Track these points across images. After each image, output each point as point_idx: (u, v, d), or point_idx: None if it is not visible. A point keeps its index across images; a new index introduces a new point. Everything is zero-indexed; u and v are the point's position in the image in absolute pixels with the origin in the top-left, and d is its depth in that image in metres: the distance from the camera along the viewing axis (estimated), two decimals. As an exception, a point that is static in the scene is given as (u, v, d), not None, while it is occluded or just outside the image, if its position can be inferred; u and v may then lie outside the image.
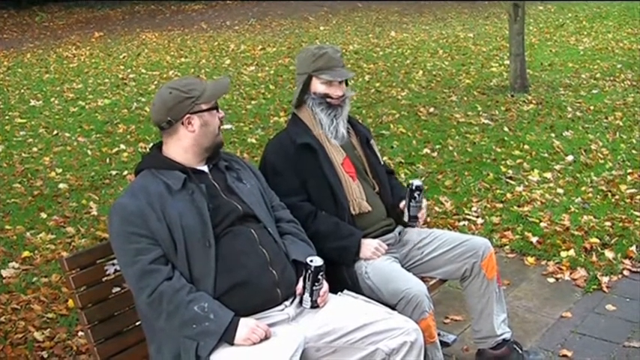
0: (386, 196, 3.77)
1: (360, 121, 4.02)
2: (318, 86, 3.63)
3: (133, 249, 2.81)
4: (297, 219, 3.35)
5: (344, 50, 14.63)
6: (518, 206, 6.13)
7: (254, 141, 8.41)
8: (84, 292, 2.96)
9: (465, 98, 10.34)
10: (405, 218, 3.60)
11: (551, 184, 6.66)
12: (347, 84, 3.74)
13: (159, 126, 3.05)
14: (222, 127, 3.13)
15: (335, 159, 3.62)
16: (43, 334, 4.43)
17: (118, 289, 3.03)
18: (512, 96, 10.28)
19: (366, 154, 3.79)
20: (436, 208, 6.17)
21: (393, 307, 3.25)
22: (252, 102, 10.34)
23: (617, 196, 6.28)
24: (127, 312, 3.05)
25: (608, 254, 5.20)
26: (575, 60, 13.00)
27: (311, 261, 2.97)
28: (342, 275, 3.45)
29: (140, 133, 8.90)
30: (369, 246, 3.54)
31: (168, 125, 3.00)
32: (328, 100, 3.62)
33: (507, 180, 6.80)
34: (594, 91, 10.49)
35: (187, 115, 2.99)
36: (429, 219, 5.92)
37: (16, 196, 6.86)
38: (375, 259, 3.51)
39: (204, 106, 3.02)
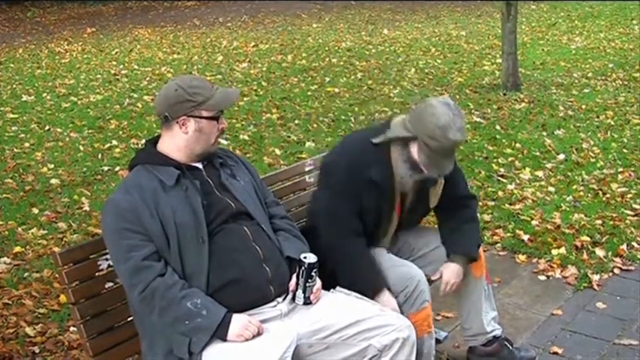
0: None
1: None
2: (417, 154, 3.33)
3: (126, 245, 2.81)
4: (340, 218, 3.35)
5: (336, 47, 14.65)
6: (510, 204, 6.15)
7: (246, 137, 8.41)
8: (77, 287, 2.95)
9: (458, 96, 10.34)
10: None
11: (543, 183, 6.68)
12: None
13: (158, 116, 3.05)
14: (220, 138, 3.09)
15: (395, 198, 3.54)
16: (34, 329, 4.43)
17: (111, 284, 3.02)
18: (504, 94, 10.30)
19: (413, 203, 3.63)
20: (428, 206, 6.18)
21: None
22: (245, 99, 10.33)
23: (608, 195, 6.32)
24: (120, 307, 3.04)
25: (599, 252, 5.23)
26: (567, 59, 13.03)
27: (305, 258, 2.98)
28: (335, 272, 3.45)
29: (132, 129, 8.88)
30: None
31: (164, 119, 2.99)
32: (416, 167, 3.38)
33: (499, 178, 6.82)
34: (586, 90, 10.53)
35: (184, 117, 2.97)
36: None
37: (8, 191, 6.84)
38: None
39: (204, 113, 2.98)
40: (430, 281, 3.82)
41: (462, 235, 3.68)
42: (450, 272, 3.60)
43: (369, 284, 3.29)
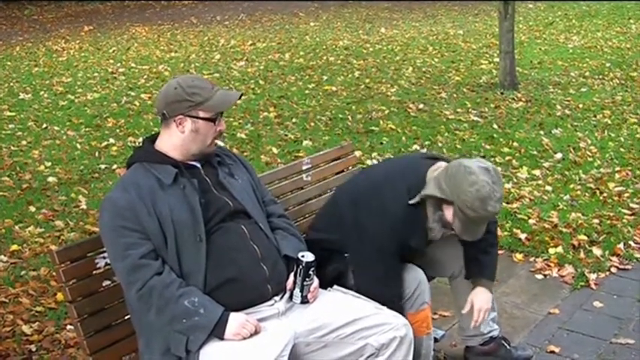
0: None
1: None
2: (452, 218, 3.24)
3: (124, 243, 2.80)
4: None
5: (334, 46, 14.64)
6: (507, 203, 6.14)
7: (243, 136, 8.41)
8: (74, 285, 2.94)
9: (455, 95, 10.35)
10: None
11: (540, 182, 6.68)
12: None
13: (157, 113, 3.04)
14: (217, 140, 3.08)
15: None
16: (31, 327, 4.41)
17: (109, 282, 3.02)
18: (501, 93, 10.30)
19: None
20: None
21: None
22: (242, 97, 10.31)
23: (605, 194, 6.32)
24: (117, 305, 3.03)
25: (596, 251, 5.23)
26: (564, 58, 13.04)
27: (302, 256, 2.98)
28: (332, 270, 3.44)
29: (129, 127, 8.88)
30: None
31: (163, 117, 2.99)
32: (448, 226, 3.31)
33: (496, 177, 6.81)
34: (583, 90, 10.53)
35: (180, 116, 2.96)
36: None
37: (5, 189, 6.83)
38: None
39: (201, 114, 2.97)
40: (429, 279, 3.83)
41: (491, 258, 3.64)
42: (482, 300, 3.52)
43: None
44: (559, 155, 7.39)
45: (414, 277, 3.40)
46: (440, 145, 7.87)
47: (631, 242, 5.39)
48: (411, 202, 3.26)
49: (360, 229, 3.32)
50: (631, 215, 5.88)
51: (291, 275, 3.00)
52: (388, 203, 3.30)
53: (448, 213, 3.24)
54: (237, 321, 2.79)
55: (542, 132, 8.29)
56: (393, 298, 3.27)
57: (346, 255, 3.38)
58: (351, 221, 3.36)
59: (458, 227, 3.24)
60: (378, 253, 3.30)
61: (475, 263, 3.62)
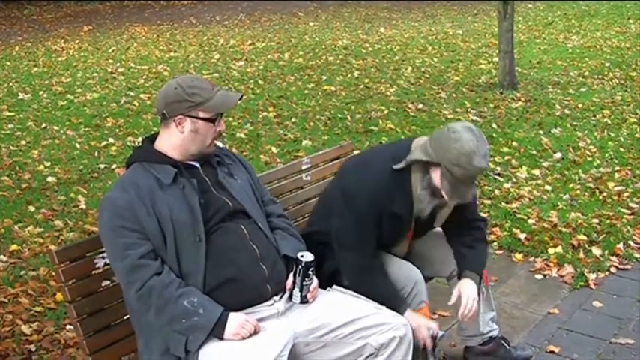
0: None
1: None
2: (440, 181, 3.23)
3: (123, 243, 2.80)
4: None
5: (333, 46, 14.64)
6: (507, 203, 6.15)
7: (243, 136, 8.40)
8: (73, 285, 2.94)
9: (454, 95, 10.35)
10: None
11: (539, 181, 6.68)
12: None
13: (156, 113, 3.04)
14: (216, 140, 3.08)
15: (412, 225, 3.51)
16: (30, 327, 4.41)
17: (108, 282, 3.02)
18: (500, 93, 10.30)
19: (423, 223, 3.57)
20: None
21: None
22: (242, 97, 10.29)
23: (604, 194, 6.32)
24: (117, 305, 3.03)
25: (596, 251, 5.23)
26: (563, 58, 13.04)
27: (302, 256, 2.98)
28: (328, 267, 3.44)
29: (129, 127, 8.88)
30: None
31: (162, 117, 2.99)
32: (437, 193, 3.29)
33: (495, 177, 6.82)
34: (582, 89, 10.53)
35: (180, 116, 2.96)
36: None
37: (4, 189, 6.83)
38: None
39: (201, 114, 2.97)
40: (428, 279, 3.83)
41: (477, 253, 3.64)
42: (468, 289, 3.50)
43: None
44: (558, 155, 7.39)
45: (411, 276, 3.40)
46: (439, 144, 7.85)
47: (630, 242, 5.39)
48: (395, 167, 3.29)
49: (346, 201, 3.35)
50: (630, 215, 5.88)
51: (291, 275, 3.01)
52: (372, 171, 3.35)
53: (435, 176, 3.24)
54: (236, 321, 2.80)
55: (541, 132, 8.29)
56: (361, 264, 3.31)
57: None
58: (340, 207, 3.38)
59: (447, 189, 3.23)
60: (356, 218, 3.31)
61: (461, 257, 3.63)
